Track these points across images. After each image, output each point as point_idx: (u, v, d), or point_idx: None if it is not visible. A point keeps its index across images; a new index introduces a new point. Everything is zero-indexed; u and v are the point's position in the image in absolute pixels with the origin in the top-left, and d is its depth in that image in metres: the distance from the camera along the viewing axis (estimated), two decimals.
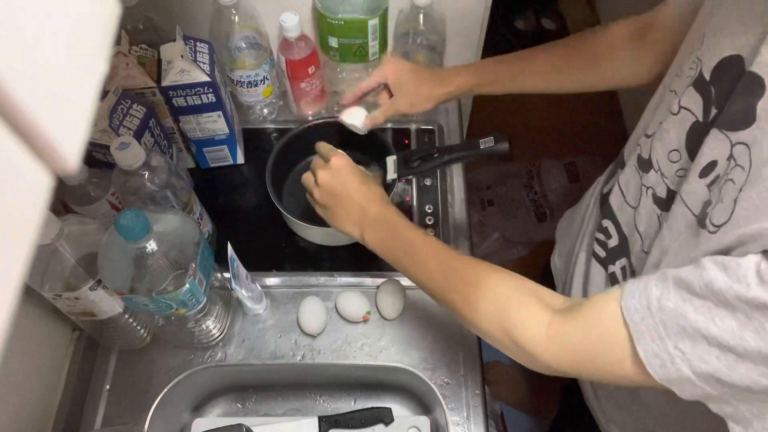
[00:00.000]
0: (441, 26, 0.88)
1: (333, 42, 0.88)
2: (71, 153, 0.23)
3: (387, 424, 0.83)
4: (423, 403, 0.88)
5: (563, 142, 1.98)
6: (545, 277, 1.04)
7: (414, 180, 0.96)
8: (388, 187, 0.88)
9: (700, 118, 0.51)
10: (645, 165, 0.59)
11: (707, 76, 0.51)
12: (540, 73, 0.77)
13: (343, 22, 0.84)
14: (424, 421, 0.85)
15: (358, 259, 0.90)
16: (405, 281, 0.86)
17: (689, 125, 0.52)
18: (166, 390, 0.80)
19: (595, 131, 2.03)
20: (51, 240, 0.62)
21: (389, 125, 1.03)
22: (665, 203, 0.55)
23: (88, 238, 0.67)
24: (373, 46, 0.89)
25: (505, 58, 0.78)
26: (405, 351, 0.82)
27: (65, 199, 0.75)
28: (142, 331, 0.81)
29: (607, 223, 0.66)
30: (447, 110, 1.06)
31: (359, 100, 0.81)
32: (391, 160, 0.84)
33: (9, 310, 0.21)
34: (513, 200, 1.83)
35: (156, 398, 0.79)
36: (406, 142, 1.01)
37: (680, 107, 0.54)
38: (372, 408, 0.84)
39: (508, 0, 2.24)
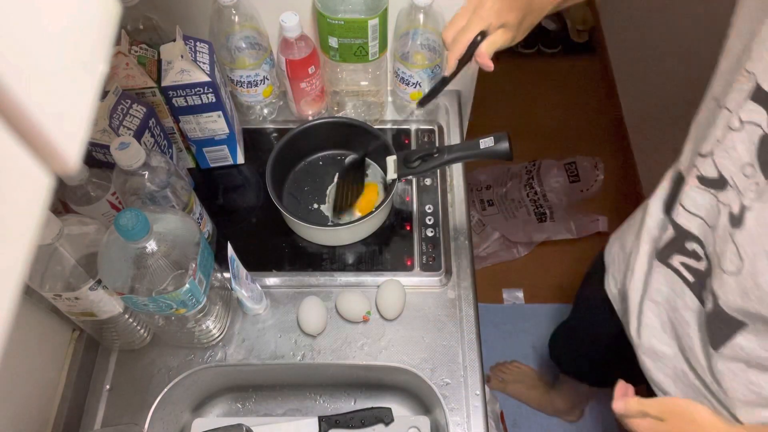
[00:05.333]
0: (441, 26, 0.88)
1: (333, 42, 0.88)
2: (71, 153, 0.23)
3: (387, 424, 0.83)
4: (423, 403, 0.88)
5: (563, 142, 1.99)
6: (588, 298, 1.02)
7: (414, 180, 0.96)
8: (388, 187, 0.88)
9: (767, 131, 0.51)
10: (717, 184, 0.59)
11: (766, 87, 0.51)
12: None
13: (343, 22, 0.85)
14: (424, 421, 0.85)
15: (358, 259, 0.90)
16: (405, 281, 0.86)
17: (758, 138, 0.52)
18: (166, 390, 0.80)
19: (595, 131, 2.04)
20: (51, 240, 0.62)
21: (389, 125, 1.03)
22: (737, 220, 0.55)
23: (88, 238, 0.67)
24: (373, 46, 0.89)
25: None
26: (405, 351, 0.82)
27: (65, 199, 0.75)
28: (142, 331, 0.81)
29: (693, 246, 0.64)
30: (447, 110, 1.06)
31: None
32: (391, 160, 0.84)
33: (9, 310, 0.21)
34: (513, 200, 1.84)
35: (156, 398, 0.79)
36: (406, 142, 1.01)
37: (742, 122, 0.54)
38: (372, 408, 0.84)
39: None
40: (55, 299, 0.68)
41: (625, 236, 0.82)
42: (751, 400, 0.62)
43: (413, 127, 1.03)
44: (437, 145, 1.01)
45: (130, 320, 0.78)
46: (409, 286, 0.86)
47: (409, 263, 0.89)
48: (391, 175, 0.84)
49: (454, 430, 0.77)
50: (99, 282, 0.68)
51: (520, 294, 1.75)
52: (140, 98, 0.80)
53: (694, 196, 0.62)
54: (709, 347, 0.62)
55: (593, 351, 1.12)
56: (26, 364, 0.74)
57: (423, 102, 0.77)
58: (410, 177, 0.95)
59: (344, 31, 0.86)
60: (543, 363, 1.62)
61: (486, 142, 0.76)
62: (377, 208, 0.85)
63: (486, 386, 0.84)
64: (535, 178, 1.86)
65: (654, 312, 0.71)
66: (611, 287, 0.85)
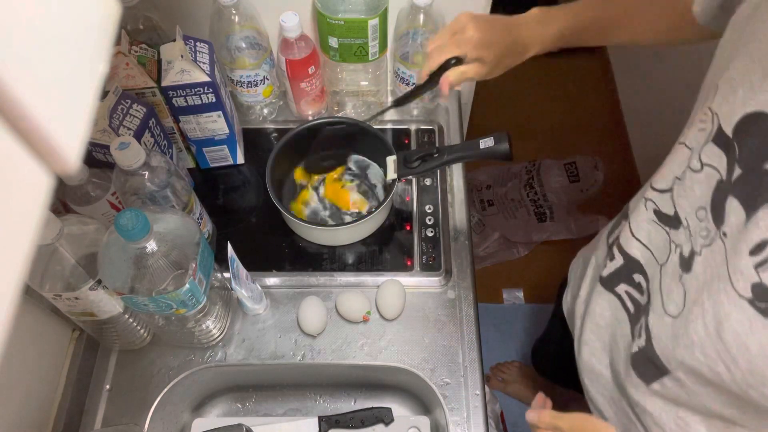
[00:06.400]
0: (441, 26, 0.88)
1: (333, 42, 0.88)
2: (71, 153, 0.23)
3: (387, 424, 0.83)
4: (423, 403, 0.88)
5: (563, 142, 1.99)
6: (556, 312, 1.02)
7: (414, 180, 0.96)
8: (388, 187, 0.88)
9: (724, 177, 0.48)
10: (671, 221, 0.56)
11: (729, 132, 0.48)
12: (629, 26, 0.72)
13: (343, 22, 0.85)
14: (424, 421, 0.85)
15: (358, 259, 0.90)
16: (405, 281, 0.86)
17: (715, 183, 0.50)
18: (166, 390, 0.80)
19: (595, 131, 2.04)
20: (51, 240, 0.62)
21: (389, 125, 1.03)
22: (687, 264, 0.52)
23: (88, 238, 0.67)
24: (373, 46, 0.89)
25: (588, 5, 0.73)
26: (405, 351, 0.82)
27: (65, 199, 0.75)
28: (142, 331, 0.81)
29: (639, 278, 0.62)
30: (447, 110, 1.06)
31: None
32: (391, 160, 0.84)
33: (9, 310, 0.21)
34: (513, 200, 1.84)
35: (156, 398, 0.79)
36: (406, 142, 1.01)
37: (702, 164, 0.51)
38: (372, 408, 0.84)
39: (508, 0, 2.24)
40: (55, 299, 0.68)
41: (587, 255, 0.81)
42: None
43: (413, 127, 1.03)
44: (437, 145, 1.01)
45: (130, 320, 0.78)
46: (409, 286, 0.86)
47: (409, 263, 0.89)
48: (391, 175, 0.84)
49: (454, 430, 0.77)
50: (99, 282, 0.68)
51: (520, 294, 1.75)
52: (140, 98, 0.80)
53: (649, 229, 0.60)
54: (638, 381, 0.61)
55: (565, 359, 1.13)
56: (26, 364, 0.74)
57: (397, 103, 0.78)
58: (410, 177, 0.96)
59: (344, 31, 0.86)
60: None
61: (486, 142, 0.76)
62: (377, 208, 0.85)
63: (486, 386, 0.84)
64: (535, 178, 1.86)
65: (596, 334, 0.70)
66: (567, 301, 0.85)
